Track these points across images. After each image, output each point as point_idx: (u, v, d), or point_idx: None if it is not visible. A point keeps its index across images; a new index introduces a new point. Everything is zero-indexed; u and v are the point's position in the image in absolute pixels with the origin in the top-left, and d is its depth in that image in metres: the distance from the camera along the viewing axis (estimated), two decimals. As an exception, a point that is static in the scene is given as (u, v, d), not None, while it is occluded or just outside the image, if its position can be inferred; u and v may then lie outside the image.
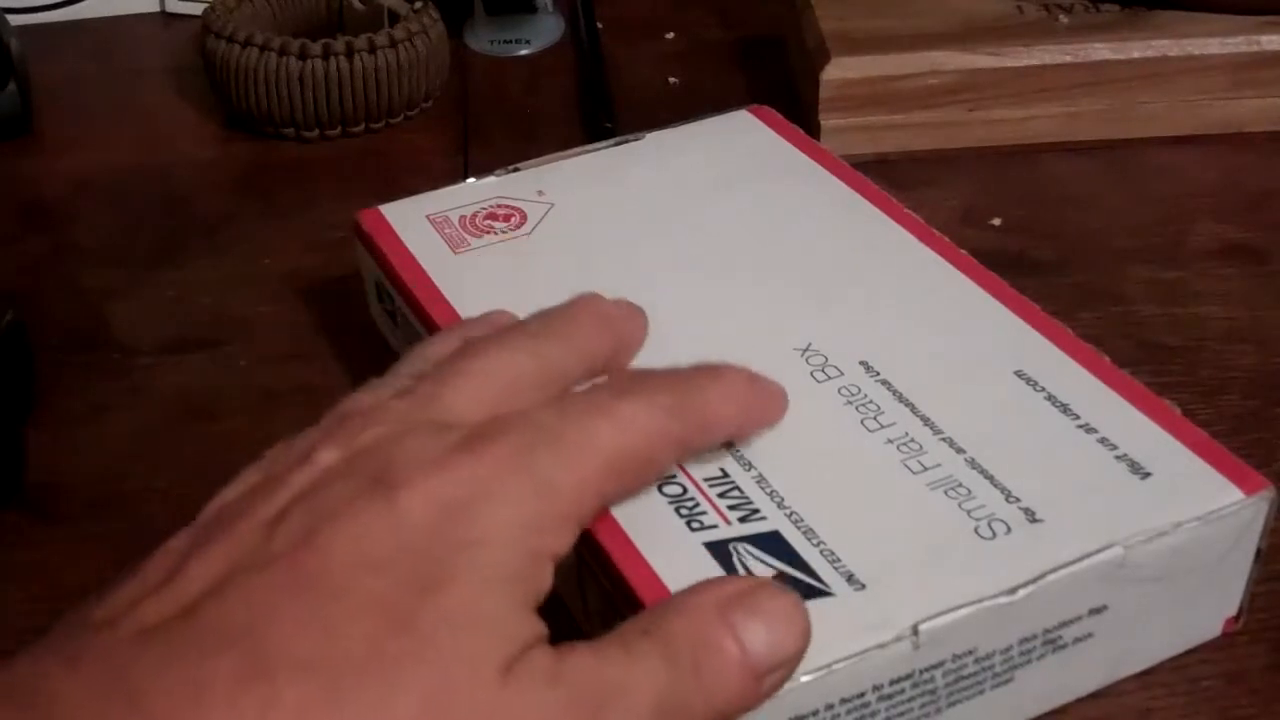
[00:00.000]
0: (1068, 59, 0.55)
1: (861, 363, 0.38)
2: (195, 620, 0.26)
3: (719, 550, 0.32)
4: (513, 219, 0.45)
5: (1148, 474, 0.34)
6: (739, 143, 0.49)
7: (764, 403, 0.35)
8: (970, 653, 0.31)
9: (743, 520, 0.33)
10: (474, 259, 0.43)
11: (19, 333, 0.45)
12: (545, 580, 0.28)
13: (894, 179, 0.55)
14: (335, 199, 0.56)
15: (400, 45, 0.59)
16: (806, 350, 0.38)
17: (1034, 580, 0.31)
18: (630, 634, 0.28)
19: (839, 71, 0.55)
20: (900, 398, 0.36)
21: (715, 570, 0.31)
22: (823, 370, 0.37)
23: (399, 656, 0.25)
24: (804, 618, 0.29)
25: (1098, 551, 0.32)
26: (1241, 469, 0.34)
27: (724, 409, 0.33)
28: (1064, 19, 0.57)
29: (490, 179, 0.47)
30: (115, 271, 0.52)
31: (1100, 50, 0.55)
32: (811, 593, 0.31)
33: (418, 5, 0.62)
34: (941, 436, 0.35)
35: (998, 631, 0.31)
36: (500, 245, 0.44)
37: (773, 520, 0.33)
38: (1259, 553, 0.34)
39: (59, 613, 0.35)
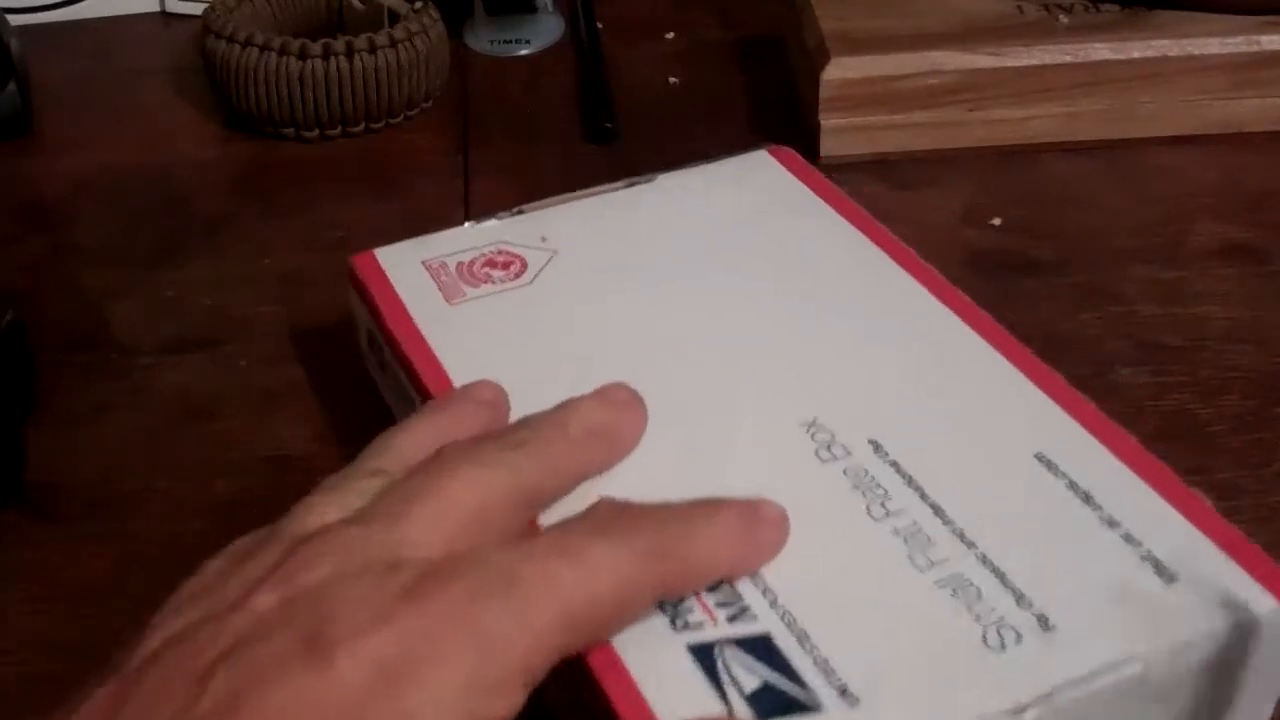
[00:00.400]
0: (1068, 59, 0.55)
1: (870, 441, 0.35)
2: None
3: (703, 654, 0.29)
4: (512, 267, 0.42)
5: (1173, 577, 0.31)
6: (755, 188, 0.46)
7: (761, 546, 0.32)
8: None
9: (731, 620, 0.30)
10: (470, 311, 0.41)
11: (19, 333, 0.45)
12: None
13: (894, 179, 0.56)
14: (335, 199, 0.56)
15: (400, 45, 0.59)
16: (812, 425, 0.36)
17: (1043, 698, 0.28)
18: None
19: (839, 71, 0.55)
20: (910, 482, 0.34)
21: (696, 677, 0.29)
22: (828, 449, 0.35)
23: None
24: None
25: (1115, 666, 0.29)
26: (1275, 572, 0.31)
27: (712, 554, 0.31)
28: (1064, 19, 0.57)
29: (492, 222, 0.44)
30: (115, 271, 0.52)
31: (1100, 50, 0.55)
32: (800, 708, 0.28)
33: (418, 5, 0.62)
34: (952, 528, 0.32)
35: None
36: (498, 297, 0.41)
37: (764, 621, 0.30)
38: None
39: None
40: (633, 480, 0.34)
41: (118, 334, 0.49)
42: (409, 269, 0.42)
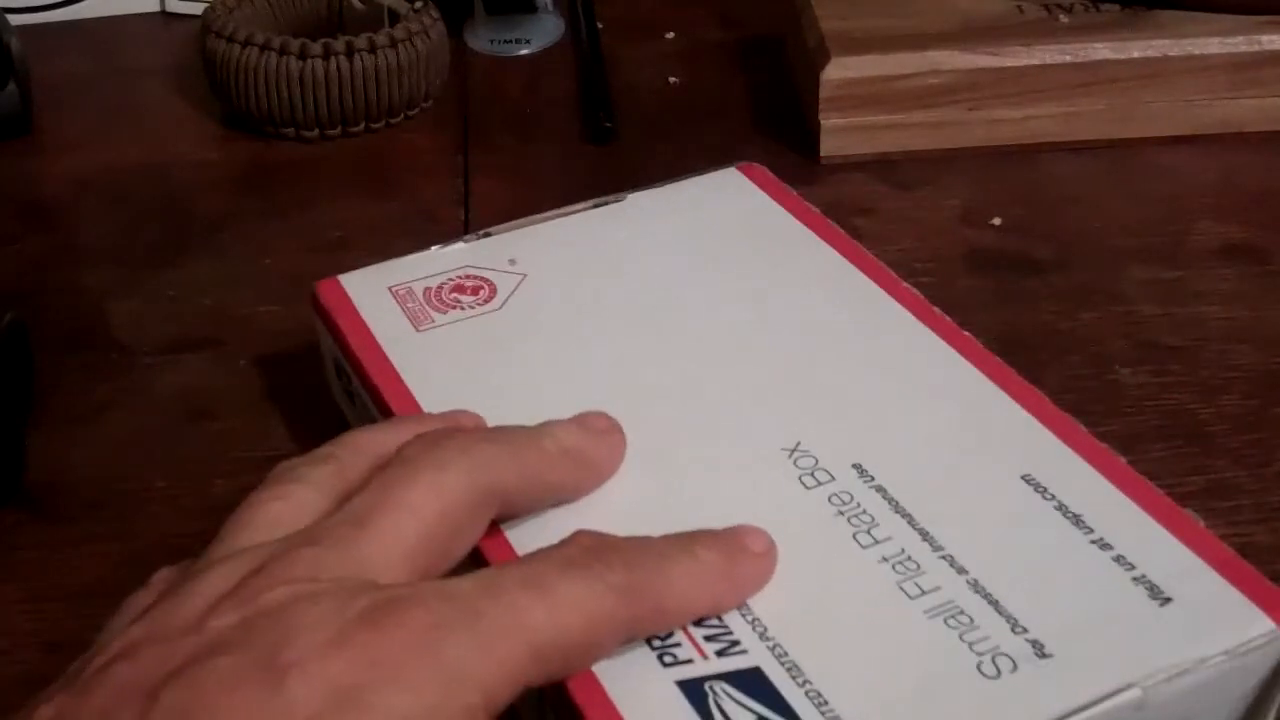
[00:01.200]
0: (1068, 59, 0.55)
1: (855, 465, 0.35)
2: None
3: (693, 690, 0.29)
4: (481, 292, 0.41)
5: (1168, 599, 0.31)
6: (727, 207, 0.45)
7: (743, 581, 0.31)
8: None
9: (721, 654, 0.30)
10: (438, 338, 0.40)
11: (19, 333, 0.45)
12: None
13: (894, 179, 0.56)
14: (335, 199, 0.56)
15: (400, 45, 0.59)
16: (795, 450, 0.35)
17: None
18: None
19: (839, 71, 0.55)
20: (896, 507, 0.33)
21: (689, 715, 0.28)
22: (812, 475, 0.34)
23: None
24: None
25: (1113, 694, 0.29)
26: (1272, 593, 0.31)
27: (688, 593, 0.30)
28: (1064, 19, 0.57)
29: (459, 245, 0.44)
30: (115, 271, 0.52)
31: (1100, 50, 0.55)
32: None
33: (418, 5, 0.62)
34: (941, 554, 0.32)
35: None
36: (468, 322, 0.40)
37: (754, 654, 0.30)
38: None
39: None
40: (611, 508, 0.33)
41: (118, 334, 0.49)
42: (375, 295, 0.41)
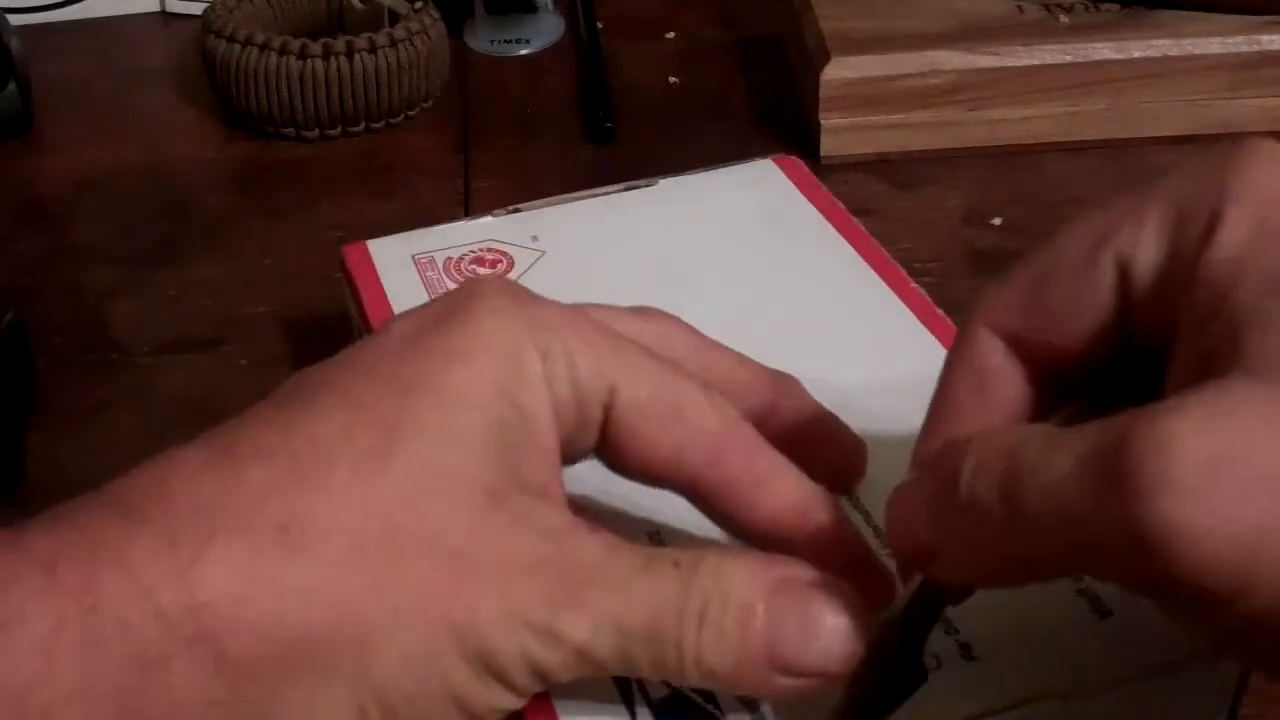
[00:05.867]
0: (1068, 59, 0.55)
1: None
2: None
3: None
4: (499, 265, 0.42)
5: (1109, 613, 0.30)
6: (752, 197, 0.46)
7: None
8: None
9: None
10: None
11: (19, 333, 0.45)
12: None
13: (894, 179, 0.56)
14: (335, 199, 0.56)
15: (400, 45, 0.59)
16: None
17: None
18: (660, 559, 0.27)
19: (839, 71, 0.55)
20: None
21: (605, 685, 0.29)
22: None
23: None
24: (851, 643, 0.26)
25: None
26: None
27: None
28: (1064, 19, 0.57)
29: (487, 219, 0.44)
30: (115, 271, 0.52)
31: (1100, 50, 0.55)
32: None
33: (418, 5, 0.62)
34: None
35: None
36: None
37: None
38: None
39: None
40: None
41: (118, 334, 0.49)
42: (398, 263, 0.43)
